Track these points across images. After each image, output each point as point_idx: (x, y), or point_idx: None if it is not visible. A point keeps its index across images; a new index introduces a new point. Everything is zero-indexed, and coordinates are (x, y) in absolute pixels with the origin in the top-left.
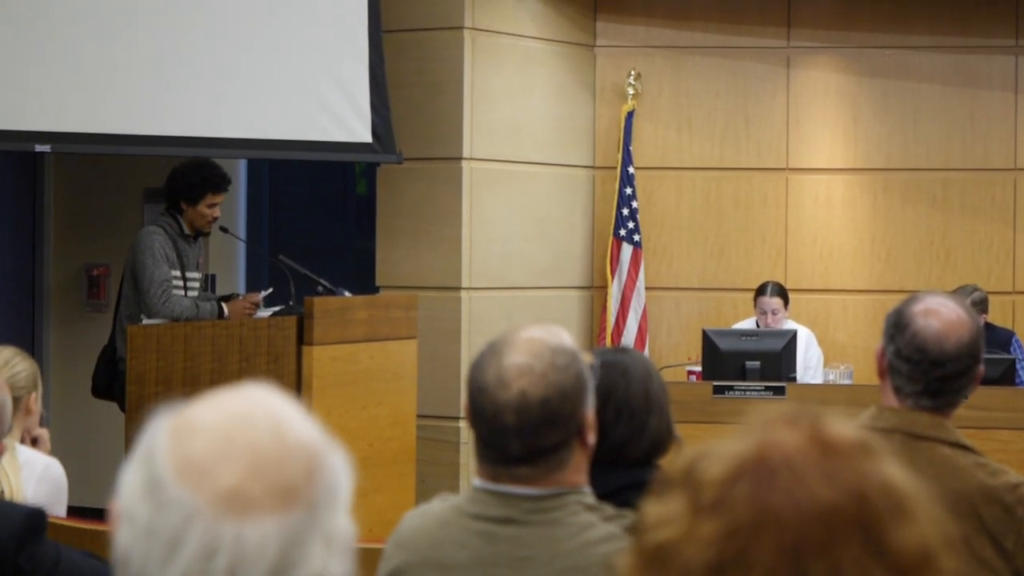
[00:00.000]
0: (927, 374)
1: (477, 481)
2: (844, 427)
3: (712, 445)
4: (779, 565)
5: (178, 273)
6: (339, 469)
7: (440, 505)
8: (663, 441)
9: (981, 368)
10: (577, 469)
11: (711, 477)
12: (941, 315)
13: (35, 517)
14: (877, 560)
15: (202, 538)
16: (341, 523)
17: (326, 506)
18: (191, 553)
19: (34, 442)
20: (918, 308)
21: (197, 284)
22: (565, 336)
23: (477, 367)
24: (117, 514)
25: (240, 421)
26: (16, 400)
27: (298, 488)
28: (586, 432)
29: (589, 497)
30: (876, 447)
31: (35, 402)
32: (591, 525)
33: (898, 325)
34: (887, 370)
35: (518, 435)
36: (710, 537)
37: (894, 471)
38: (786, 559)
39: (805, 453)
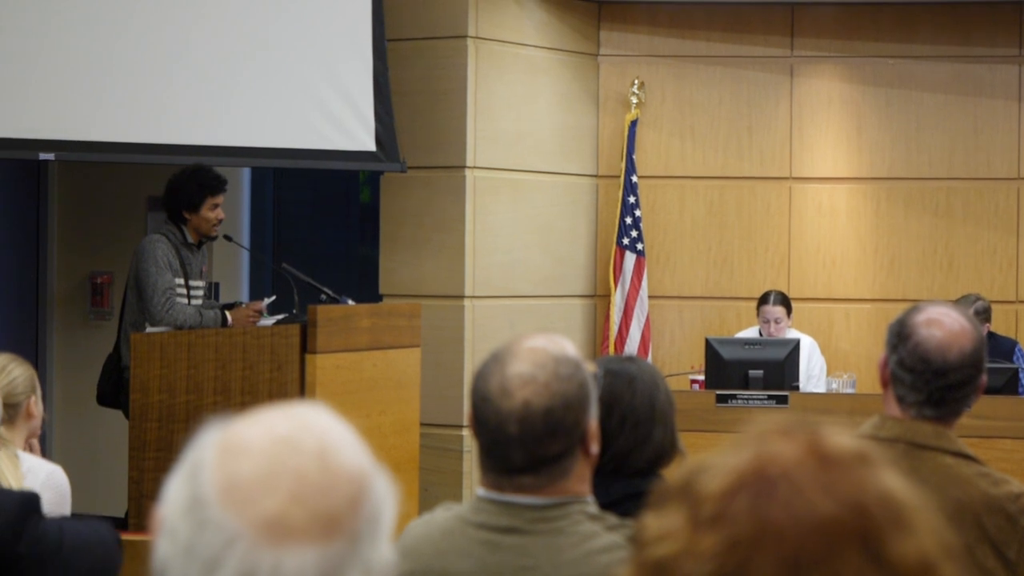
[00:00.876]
0: (930, 384)
1: (480, 490)
2: (842, 437)
3: (709, 458)
4: None
5: (182, 281)
6: (384, 497)
7: (444, 514)
8: (666, 452)
9: (984, 378)
10: (580, 478)
11: (710, 491)
12: (944, 325)
13: (29, 502)
14: (877, 571)
15: (240, 563)
16: (382, 553)
17: (368, 536)
18: None
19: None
20: (921, 318)
21: (201, 292)
22: (568, 346)
23: (480, 377)
24: (159, 524)
25: (288, 444)
26: (15, 406)
27: (341, 518)
28: (589, 442)
29: (592, 506)
30: (874, 457)
31: (35, 405)
32: (594, 534)
33: (901, 335)
34: (890, 380)
35: (521, 445)
36: (710, 551)
37: (893, 481)
38: (786, 572)
39: (803, 465)
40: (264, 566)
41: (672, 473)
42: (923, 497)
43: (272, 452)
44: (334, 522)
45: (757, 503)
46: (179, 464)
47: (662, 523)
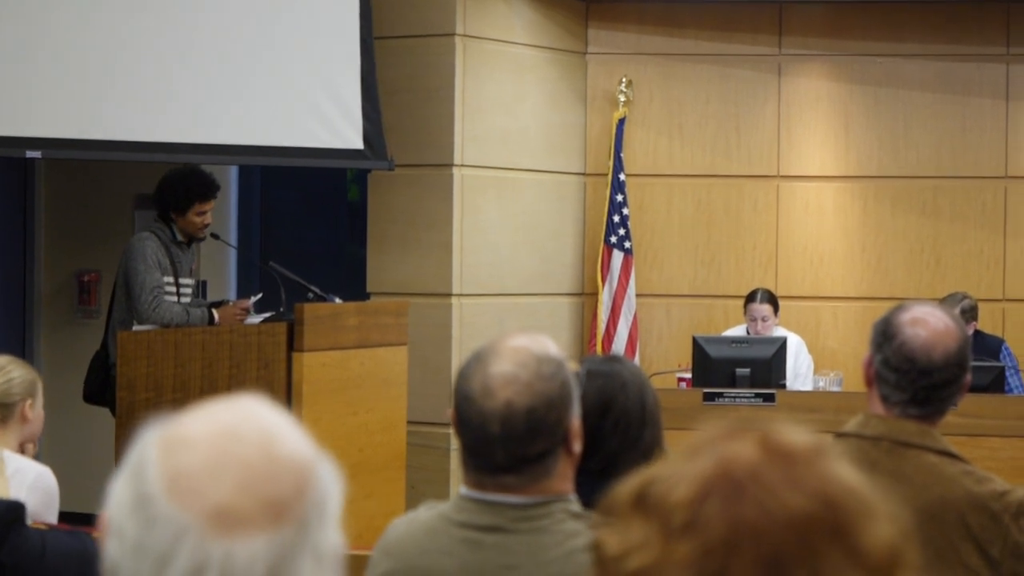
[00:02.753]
0: (914, 383)
1: (463, 489)
2: (793, 433)
3: (662, 468)
4: None
5: (171, 279)
6: (329, 482)
7: (427, 513)
8: (652, 452)
9: (968, 376)
10: (563, 477)
11: (678, 499)
12: (928, 324)
13: (11, 511)
14: (853, 561)
15: (191, 555)
16: (331, 538)
17: (316, 521)
18: (180, 570)
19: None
20: (905, 317)
21: (190, 290)
22: (551, 345)
23: (463, 376)
24: (106, 526)
25: (231, 435)
26: (10, 407)
27: (288, 504)
28: (572, 441)
29: (575, 505)
30: (827, 449)
31: (30, 409)
32: (577, 533)
33: (886, 334)
34: (874, 379)
35: (503, 444)
36: (687, 559)
37: (848, 472)
38: (766, 571)
39: (766, 463)
40: (215, 557)
41: (615, 489)
42: (871, 483)
43: (215, 443)
44: (281, 509)
45: (729, 506)
46: (121, 464)
47: (627, 536)
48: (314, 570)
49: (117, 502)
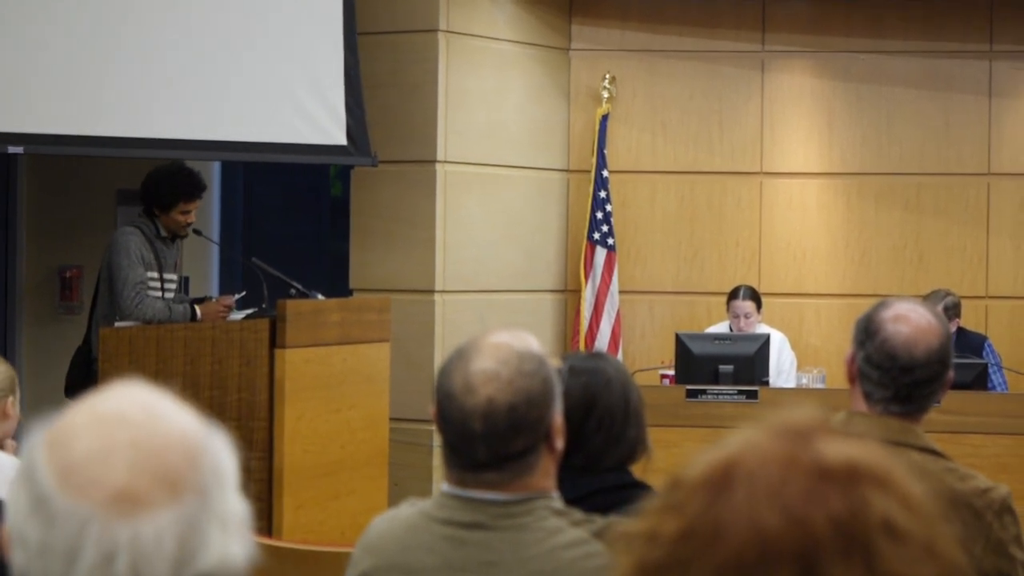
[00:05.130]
0: (897, 381)
1: (445, 486)
2: (838, 447)
3: (719, 443)
4: None
5: (155, 275)
6: (222, 451)
7: (408, 510)
8: (636, 450)
9: (951, 373)
10: (545, 474)
11: (686, 478)
12: (911, 321)
13: None
14: None
15: (98, 544)
16: (233, 504)
17: (216, 489)
18: (90, 561)
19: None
20: (888, 314)
21: (174, 286)
22: (532, 341)
23: (444, 373)
24: (7, 539)
25: (114, 420)
26: None
27: (184, 476)
28: (554, 437)
29: (557, 502)
30: (869, 475)
31: (12, 407)
32: (559, 530)
33: (868, 331)
34: (857, 376)
35: (485, 441)
36: (667, 537)
37: (880, 503)
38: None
39: (772, 472)
40: (122, 541)
41: (639, 469)
42: (931, 530)
43: (100, 431)
44: (177, 482)
45: (713, 502)
46: (13, 476)
47: (657, 502)
48: (223, 537)
49: (14, 510)
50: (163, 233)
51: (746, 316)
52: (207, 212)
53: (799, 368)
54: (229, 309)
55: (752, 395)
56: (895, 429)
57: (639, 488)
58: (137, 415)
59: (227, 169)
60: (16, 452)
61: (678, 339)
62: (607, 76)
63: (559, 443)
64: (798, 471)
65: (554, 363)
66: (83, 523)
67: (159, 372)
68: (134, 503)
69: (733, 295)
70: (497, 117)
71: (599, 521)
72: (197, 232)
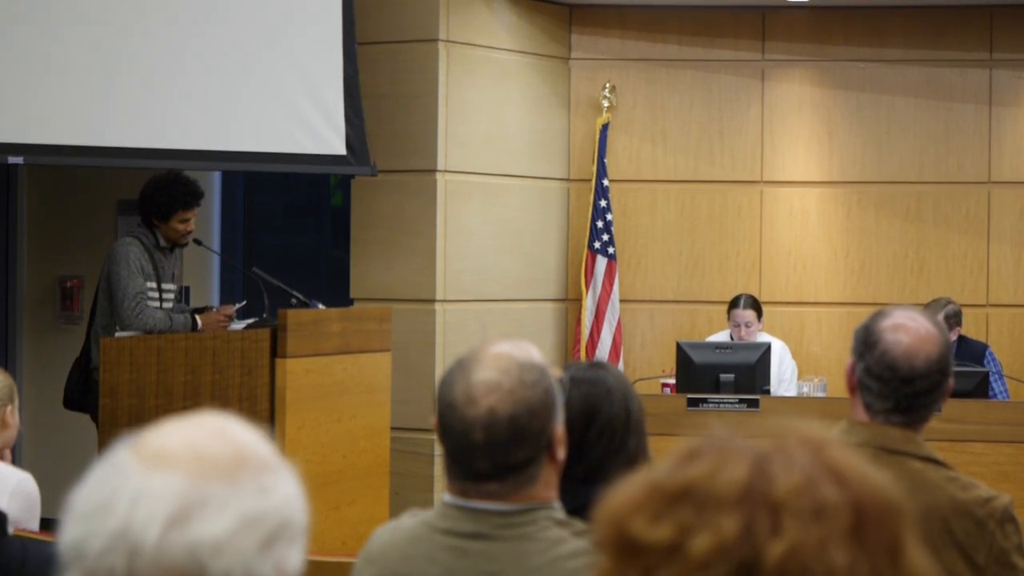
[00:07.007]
0: (897, 392)
1: (447, 496)
2: (790, 472)
3: (734, 445)
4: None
5: (154, 285)
6: (283, 479)
7: (410, 520)
8: (637, 460)
9: (951, 381)
10: (547, 484)
11: (685, 474)
12: (910, 330)
13: None
14: None
15: (123, 485)
16: (270, 511)
17: (250, 489)
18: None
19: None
20: (887, 324)
21: (173, 295)
22: (534, 351)
23: (445, 383)
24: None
25: (193, 426)
26: None
27: (217, 463)
28: (555, 448)
29: (559, 512)
30: (807, 508)
31: (11, 415)
32: (561, 540)
33: (866, 342)
34: (857, 386)
35: (486, 452)
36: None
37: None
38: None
39: (730, 493)
40: (135, 480)
41: None
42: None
43: (179, 431)
44: (209, 464)
45: (679, 511)
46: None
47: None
48: (234, 531)
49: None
50: (162, 243)
51: (747, 325)
52: (207, 222)
53: (800, 377)
54: (230, 319)
55: (753, 404)
56: (896, 438)
57: None
58: (211, 424)
59: (227, 179)
60: (13, 460)
61: (679, 348)
62: (607, 85)
63: (560, 453)
64: (753, 493)
65: (555, 373)
66: (124, 472)
67: (160, 382)
68: (162, 461)
69: (734, 304)
70: (497, 127)
71: None
72: (198, 242)
